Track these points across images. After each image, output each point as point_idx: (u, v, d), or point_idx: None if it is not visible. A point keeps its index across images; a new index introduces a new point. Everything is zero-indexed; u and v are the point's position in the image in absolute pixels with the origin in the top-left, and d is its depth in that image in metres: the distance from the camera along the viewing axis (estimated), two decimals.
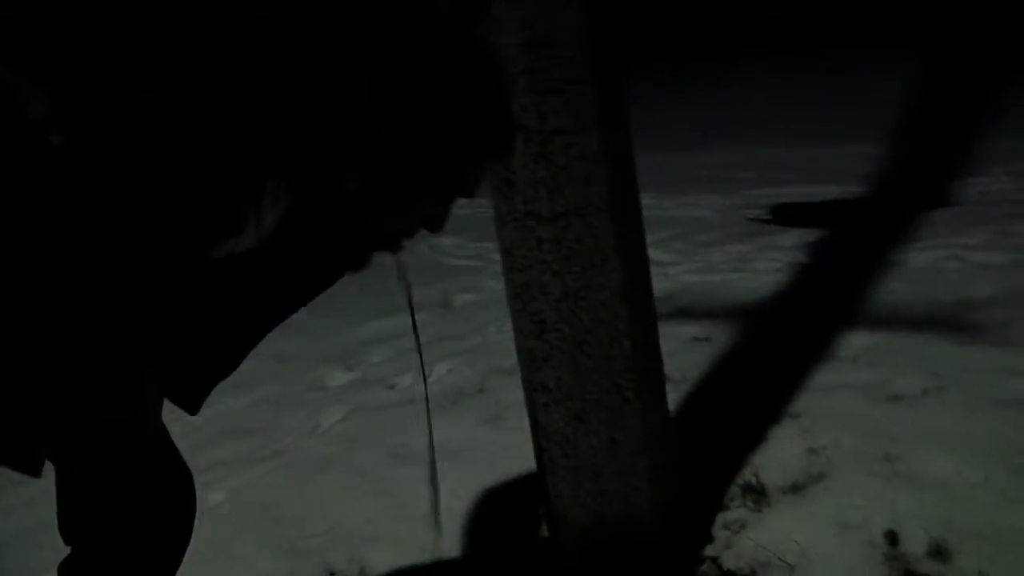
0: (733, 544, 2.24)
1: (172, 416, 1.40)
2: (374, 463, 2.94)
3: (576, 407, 1.99)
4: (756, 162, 7.18)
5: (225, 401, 3.44)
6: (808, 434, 2.62)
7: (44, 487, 2.81)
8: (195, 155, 1.00)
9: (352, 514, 2.65)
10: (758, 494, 2.38)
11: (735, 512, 2.35)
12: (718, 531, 2.30)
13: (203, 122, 1.01)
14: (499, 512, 2.57)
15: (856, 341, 3.22)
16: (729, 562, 2.19)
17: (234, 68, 1.01)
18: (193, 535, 1.56)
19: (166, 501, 1.52)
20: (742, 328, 3.55)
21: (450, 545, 2.43)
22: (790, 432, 2.65)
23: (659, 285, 2.55)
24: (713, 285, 4.23)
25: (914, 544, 2.10)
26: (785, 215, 5.38)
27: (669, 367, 2.34)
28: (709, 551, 2.24)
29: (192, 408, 1.35)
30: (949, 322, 3.28)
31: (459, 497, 2.63)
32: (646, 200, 2.11)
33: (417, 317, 4.41)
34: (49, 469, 1.40)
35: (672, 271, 4.55)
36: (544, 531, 2.26)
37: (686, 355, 3.32)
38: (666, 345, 2.22)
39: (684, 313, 3.83)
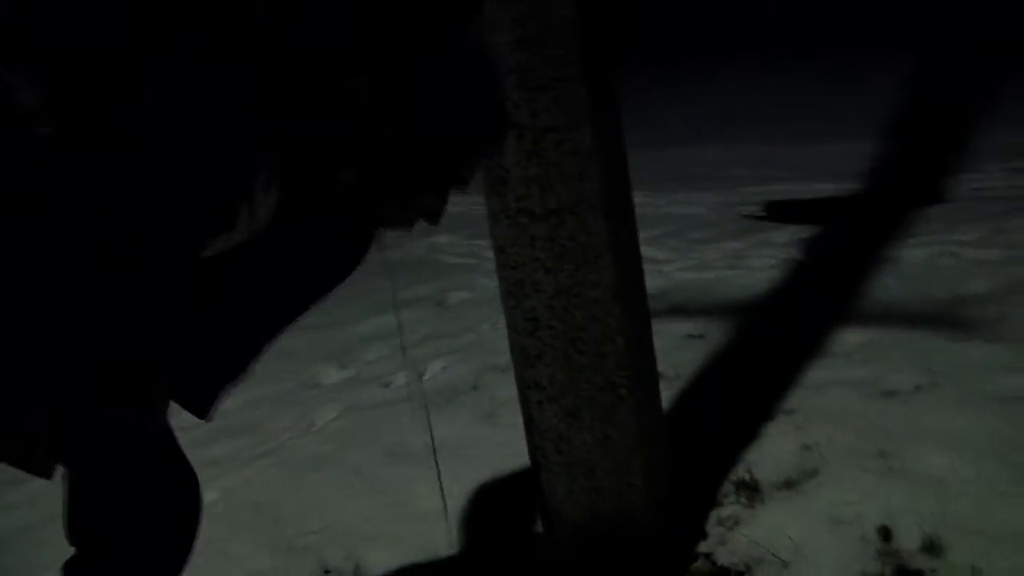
0: (727, 540, 2.24)
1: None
2: (369, 461, 2.94)
3: (569, 404, 1.99)
4: (751, 159, 7.18)
5: None
6: (802, 430, 2.62)
7: (46, 485, 2.81)
8: (188, 150, 1.01)
9: (348, 512, 2.65)
10: (752, 490, 2.39)
11: (729, 508, 2.35)
12: (712, 527, 2.30)
13: (199, 120, 1.01)
14: (494, 509, 2.57)
15: (850, 337, 3.22)
16: (723, 558, 2.19)
17: (233, 68, 1.02)
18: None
19: (170, 504, 1.52)
20: (736, 325, 3.55)
21: (445, 542, 2.43)
22: (784, 428, 2.65)
23: (653, 282, 2.55)
24: (707, 282, 4.23)
25: (907, 539, 2.11)
26: (780, 212, 5.38)
27: (663, 364, 2.34)
28: (703, 547, 2.24)
29: (203, 413, 1.35)
30: (943, 318, 3.29)
31: (454, 495, 2.63)
32: (639, 197, 2.11)
33: (411, 315, 4.41)
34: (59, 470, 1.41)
35: (666, 268, 4.55)
36: (539, 527, 2.26)
37: (680, 352, 3.33)
38: (660, 342, 2.22)
39: (678, 310, 3.83)
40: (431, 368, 3.69)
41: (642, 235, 2.10)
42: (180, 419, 1.42)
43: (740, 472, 2.47)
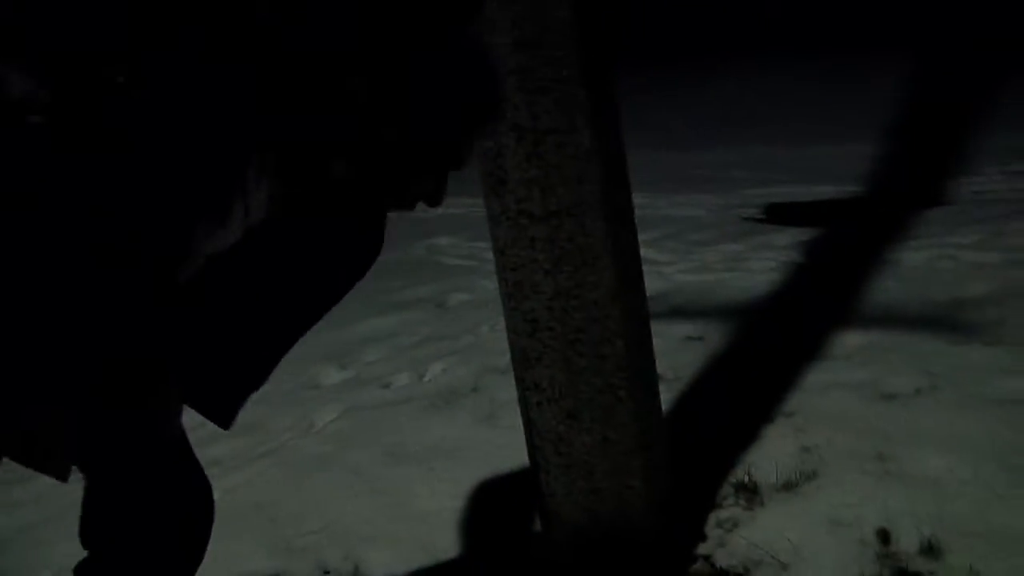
0: (726, 542, 2.25)
1: None
2: (369, 462, 2.94)
3: (569, 405, 2.00)
4: (750, 161, 7.18)
5: None
6: (801, 433, 2.62)
7: (49, 484, 2.81)
8: (185, 148, 1.01)
9: (347, 513, 2.65)
10: (751, 492, 2.39)
11: (728, 510, 2.36)
12: (711, 529, 2.31)
13: (197, 119, 1.01)
14: (493, 510, 2.57)
15: (850, 340, 3.23)
16: (722, 560, 2.20)
17: (233, 67, 1.02)
18: None
19: (182, 511, 1.53)
20: (736, 327, 3.55)
21: (445, 543, 2.43)
22: (783, 431, 2.66)
23: (652, 284, 2.56)
24: (707, 284, 4.23)
25: (906, 542, 2.11)
26: (779, 214, 5.38)
27: (662, 366, 2.34)
28: (702, 549, 2.25)
29: (224, 422, 1.34)
30: (943, 321, 3.29)
31: (453, 495, 2.63)
32: (639, 199, 2.11)
33: (411, 316, 4.42)
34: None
35: (666, 270, 4.55)
36: (538, 528, 2.26)
37: (679, 354, 3.33)
38: (659, 344, 2.22)
39: (677, 312, 3.83)
40: (431, 369, 3.70)
41: (642, 237, 2.10)
42: (182, 419, 1.43)
43: (739, 474, 2.47)
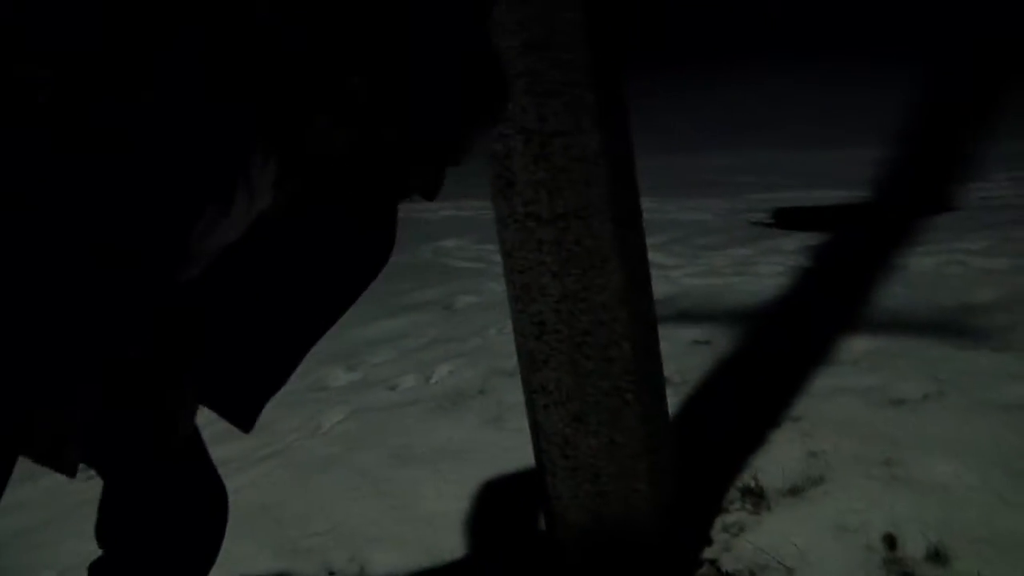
0: (732, 547, 2.24)
1: None
2: (375, 464, 2.94)
3: (575, 408, 2.00)
4: (758, 165, 7.18)
5: None
6: (808, 438, 2.62)
7: (50, 487, 2.82)
8: (184, 136, 1.01)
9: (353, 514, 2.65)
10: (757, 497, 2.39)
11: (734, 515, 2.35)
12: (717, 534, 2.30)
13: (198, 112, 1.01)
14: (499, 512, 2.57)
15: (857, 345, 3.22)
16: (728, 564, 2.19)
17: (233, 67, 1.02)
18: None
19: (195, 514, 1.53)
20: (743, 331, 3.55)
21: (451, 544, 2.43)
22: (790, 436, 2.65)
23: (660, 288, 2.56)
24: (714, 288, 4.23)
25: (913, 548, 2.10)
26: (787, 219, 5.38)
27: (669, 370, 2.34)
28: (708, 553, 2.24)
29: (245, 425, 1.34)
30: (951, 327, 3.28)
31: (460, 497, 2.63)
32: (647, 203, 2.11)
33: (418, 319, 4.42)
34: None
35: (673, 274, 4.55)
36: (543, 530, 2.26)
37: (686, 358, 3.33)
38: (666, 348, 2.22)
39: (685, 316, 3.83)
40: (438, 372, 3.70)
41: (649, 241, 2.10)
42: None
43: (746, 479, 2.47)
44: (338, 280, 1.34)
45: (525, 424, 2.17)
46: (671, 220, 5.69)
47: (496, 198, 1.95)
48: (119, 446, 1.40)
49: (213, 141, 1.03)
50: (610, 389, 1.98)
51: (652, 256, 2.17)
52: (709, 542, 2.28)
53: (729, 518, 2.35)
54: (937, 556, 2.06)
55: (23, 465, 1.21)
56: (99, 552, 1.53)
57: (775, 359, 3.22)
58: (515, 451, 2.72)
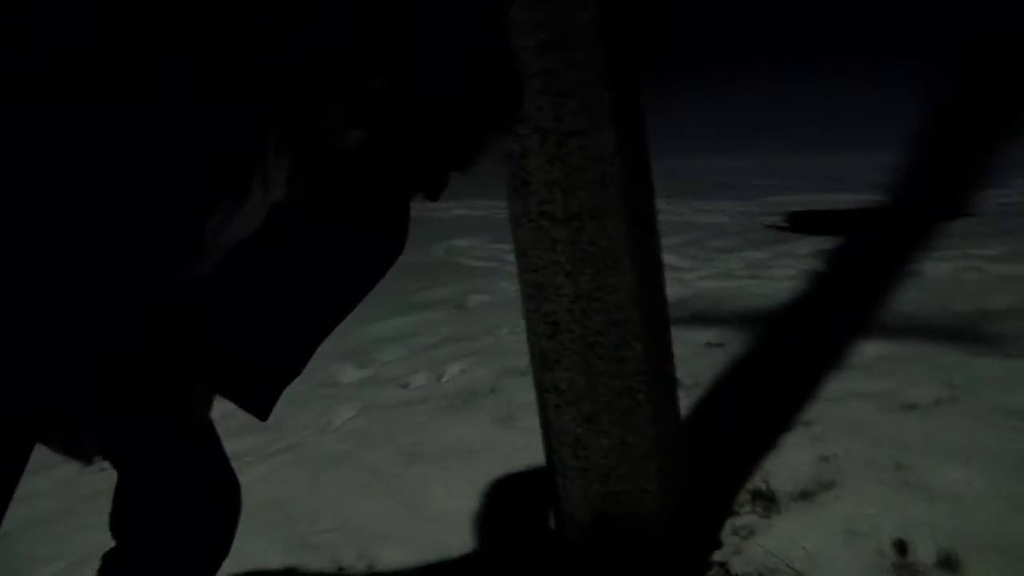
0: (742, 550, 2.24)
1: None
2: (385, 461, 2.95)
3: (587, 408, 1.99)
4: (772, 169, 7.16)
5: None
6: (819, 442, 2.61)
7: (67, 476, 2.83)
8: (197, 126, 1.01)
9: (363, 511, 2.66)
10: (768, 500, 2.38)
11: (744, 518, 2.35)
12: (727, 536, 2.30)
13: (210, 113, 1.01)
14: (509, 511, 2.57)
15: (870, 350, 3.21)
16: (737, 568, 2.19)
17: (241, 63, 1.02)
18: None
19: (209, 508, 1.54)
20: (756, 334, 3.54)
21: (460, 542, 2.43)
22: (801, 439, 2.64)
23: (674, 290, 2.55)
24: (728, 291, 4.22)
25: (923, 553, 2.09)
26: (802, 222, 5.36)
27: (681, 372, 2.34)
28: (717, 556, 2.24)
29: (262, 413, 1.36)
30: (965, 332, 3.27)
31: (469, 496, 2.63)
32: (661, 205, 2.11)
33: (430, 317, 4.43)
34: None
35: (687, 276, 4.54)
36: (552, 529, 2.26)
37: (699, 360, 3.32)
38: (679, 350, 2.22)
39: (698, 318, 3.82)
40: (450, 370, 3.70)
41: (664, 243, 2.10)
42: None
43: (756, 482, 2.46)
44: (349, 274, 1.34)
45: (536, 423, 2.17)
46: (685, 222, 5.68)
47: (511, 197, 1.95)
48: (134, 438, 1.40)
49: (228, 136, 1.03)
50: (622, 389, 1.98)
51: (666, 258, 2.17)
52: (719, 544, 2.27)
53: (739, 521, 2.34)
54: (948, 562, 2.05)
55: (36, 456, 1.21)
56: (111, 543, 1.54)
57: (788, 362, 3.21)
58: (525, 450, 2.72)
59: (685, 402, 2.52)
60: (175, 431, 1.39)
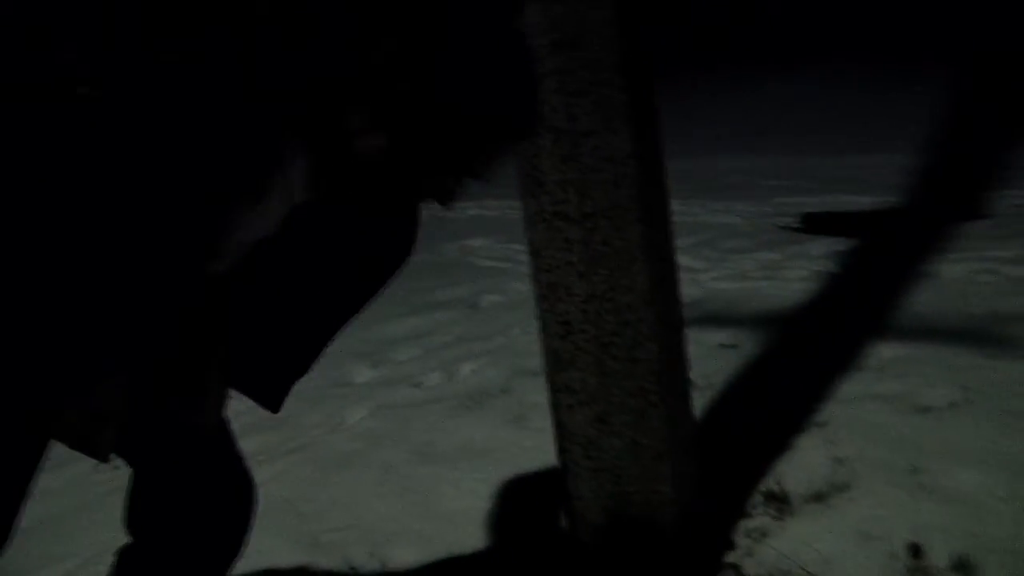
0: (754, 552, 2.23)
1: None
2: (398, 460, 2.95)
3: (600, 409, 1.99)
4: (785, 169, 7.13)
5: None
6: (833, 444, 2.60)
7: (80, 474, 2.83)
8: (219, 123, 1.01)
9: (374, 510, 2.66)
10: (781, 502, 2.37)
11: (757, 520, 2.34)
12: (740, 538, 2.29)
13: (234, 115, 1.02)
14: (520, 511, 2.57)
15: (885, 352, 3.19)
16: (750, 570, 2.18)
17: (264, 67, 1.02)
18: None
19: (224, 505, 1.54)
20: (769, 336, 3.53)
21: (471, 542, 2.43)
22: (815, 441, 2.63)
23: (687, 291, 2.55)
24: (741, 292, 4.21)
25: (937, 557, 2.08)
26: (816, 224, 5.34)
27: (694, 373, 2.33)
28: (730, 558, 2.23)
29: (274, 406, 1.37)
30: (980, 335, 3.25)
31: (481, 495, 2.63)
32: (674, 205, 2.10)
33: (443, 317, 4.43)
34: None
35: (700, 277, 4.53)
36: (564, 529, 2.26)
37: (712, 361, 3.31)
38: (692, 351, 2.21)
39: (711, 319, 3.81)
40: (462, 370, 3.70)
41: (677, 243, 2.09)
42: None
43: (770, 483, 2.45)
44: (360, 272, 1.35)
45: (548, 424, 2.16)
46: (698, 223, 5.66)
47: (525, 197, 1.94)
48: (149, 435, 1.41)
49: (250, 138, 1.03)
50: (635, 390, 1.97)
51: (679, 259, 2.16)
52: (731, 546, 2.27)
53: (752, 523, 2.33)
54: (962, 566, 2.04)
55: (50, 453, 1.22)
56: (125, 540, 1.55)
57: (801, 364, 3.20)
58: (537, 451, 2.71)
59: (698, 403, 2.52)
60: (190, 427, 1.39)
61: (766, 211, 5.87)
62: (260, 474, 2.88)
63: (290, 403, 1.40)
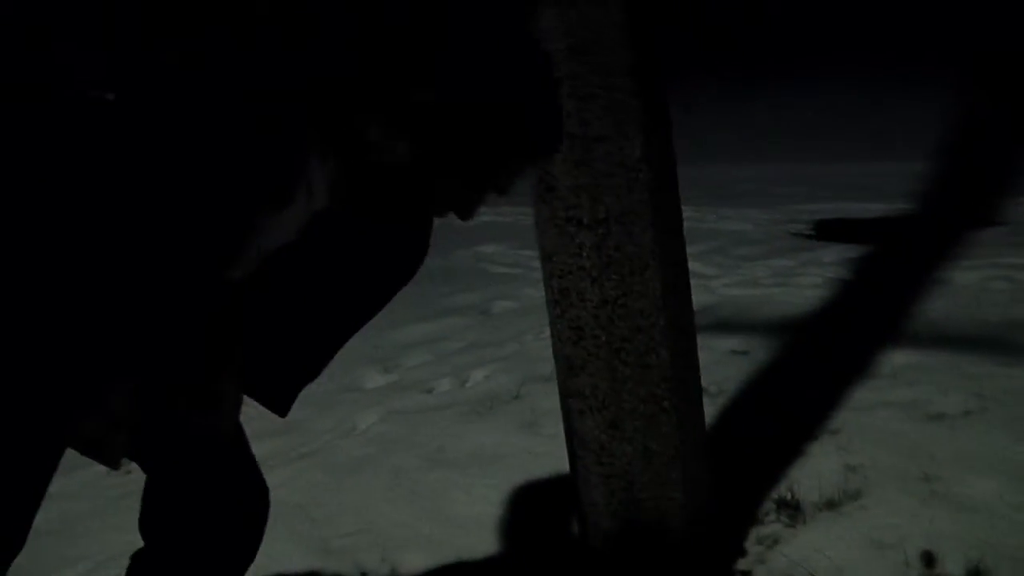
0: (766, 559, 2.22)
1: None
2: (409, 466, 2.95)
3: (611, 415, 1.99)
4: (798, 176, 7.12)
5: None
6: (845, 451, 2.59)
7: (91, 477, 2.83)
8: (242, 130, 1.01)
9: (385, 515, 2.66)
10: (793, 509, 2.36)
11: (769, 527, 2.33)
12: (751, 545, 2.28)
13: (254, 120, 1.02)
14: (531, 517, 2.56)
15: (898, 358, 3.18)
16: None
17: (281, 71, 1.02)
18: None
19: (237, 511, 1.55)
20: (781, 342, 3.52)
21: (482, 548, 2.43)
22: (827, 448, 2.62)
23: (699, 297, 2.54)
24: (753, 299, 4.20)
25: (951, 565, 2.07)
26: (828, 231, 5.33)
27: (706, 379, 2.33)
28: (741, 565, 2.22)
29: (281, 410, 1.37)
30: (994, 342, 3.24)
31: (492, 501, 2.63)
32: (686, 212, 2.10)
33: (456, 323, 4.43)
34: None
35: (712, 284, 4.52)
36: (575, 535, 2.26)
37: (724, 368, 3.30)
38: (704, 357, 2.21)
39: (723, 326, 3.80)
40: (474, 376, 3.70)
41: (689, 250, 2.09)
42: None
43: (782, 490, 2.44)
44: (372, 278, 1.35)
45: (559, 430, 2.16)
46: (710, 229, 5.66)
47: (537, 202, 1.94)
48: (164, 441, 1.41)
49: (275, 144, 1.03)
50: (647, 396, 1.97)
51: (691, 265, 2.16)
52: (743, 553, 2.26)
53: (764, 530, 2.33)
54: (976, 574, 2.03)
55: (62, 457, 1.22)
56: (137, 543, 1.55)
57: (813, 370, 3.19)
58: (549, 457, 2.71)
59: (710, 410, 2.51)
60: (204, 433, 1.40)
61: (778, 218, 5.87)
62: (271, 479, 2.88)
63: (301, 408, 1.40)
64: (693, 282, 2.13)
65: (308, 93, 1.04)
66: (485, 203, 1.22)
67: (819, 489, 2.42)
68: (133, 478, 1.55)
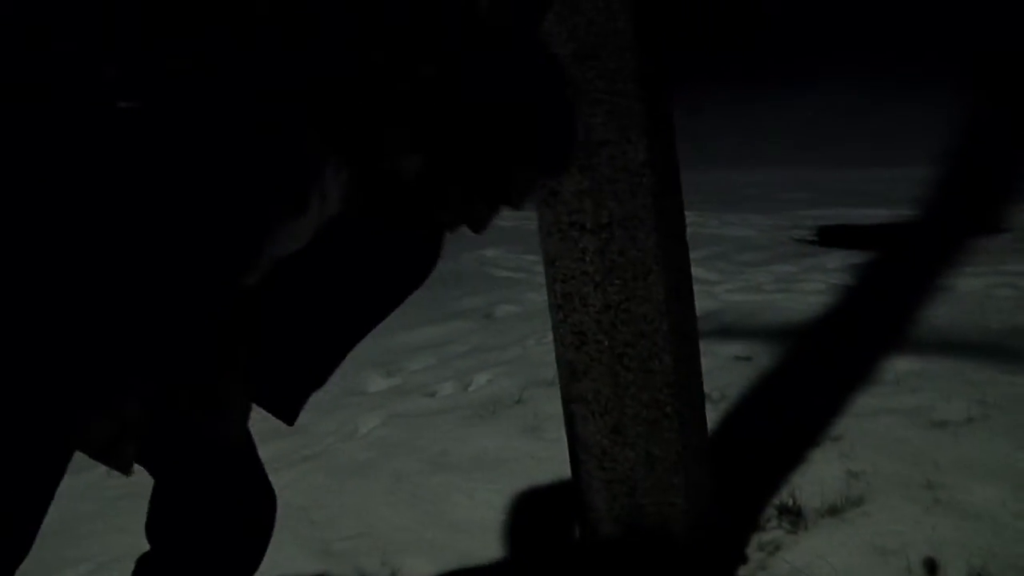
0: (768, 565, 2.22)
1: None
2: (411, 470, 2.94)
3: (614, 420, 1.99)
4: (801, 182, 7.11)
5: None
6: (848, 457, 2.59)
7: (95, 479, 2.83)
8: (258, 138, 1.01)
9: (387, 519, 2.66)
10: (795, 516, 2.36)
11: (771, 533, 2.33)
12: (753, 552, 2.28)
13: (268, 127, 1.02)
14: (533, 521, 2.56)
15: (901, 365, 3.18)
16: None
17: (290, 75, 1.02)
18: None
19: (244, 517, 1.54)
20: (784, 348, 3.51)
21: (483, 552, 2.43)
22: (829, 455, 2.62)
23: (702, 303, 2.54)
24: (756, 304, 4.19)
25: (953, 573, 2.07)
26: (832, 237, 5.32)
27: (709, 385, 2.32)
28: (743, 571, 2.22)
29: (289, 418, 1.36)
30: (998, 349, 3.23)
31: (494, 505, 2.63)
32: (688, 217, 2.10)
33: (459, 327, 4.43)
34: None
35: (715, 289, 4.52)
36: (576, 540, 2.25)
37: (727, 373, 3.30)
38: (707, 363, 2.20)
39: (726, 331, 3.80)
40: (476, 380, 3.70)
41: (692, 255, 2.09)
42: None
43: (784, 497, 2.44)
44: (383, 286, 1.34)
45: (562, 434, 2.16)
46: (713, 235, 5.65)
47: (540, 207, 1.94)
48: (172, 446, 1.41)
49: (275, 145, 1.03)
50: (649, 401, 1.97)
51: (694, 271, 2.15)
52: (744, 560, 2.26)
53: (765, 536, 2.32)
54: None
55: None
56: (139, 545, 1.55)
57: (816, 377, 3.19)
58: (551, 461, 2.71)
59: (712, 415, 2.51)
60: (213, 439, 1.39)
61: (781, 224, 5.86)
62: (274, 481, 2.89)
63: (304, 411, 1.40)
64: (696, 287, 2.13)
65: (308, 93, 1.04)
66: (496, 216, 1.21)
67: (821, 495, 2.41)
68: (135, 480, 1.54)
